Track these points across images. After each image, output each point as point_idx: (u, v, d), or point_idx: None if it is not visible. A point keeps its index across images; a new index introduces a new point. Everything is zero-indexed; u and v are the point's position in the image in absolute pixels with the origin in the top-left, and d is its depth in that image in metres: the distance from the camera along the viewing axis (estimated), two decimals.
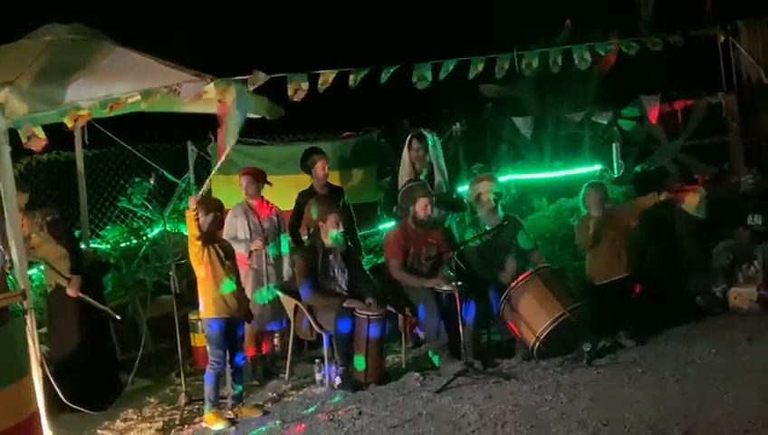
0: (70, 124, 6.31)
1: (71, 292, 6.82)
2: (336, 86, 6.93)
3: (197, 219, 6.15)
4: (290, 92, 6.74)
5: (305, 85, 6.73)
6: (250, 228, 7.41)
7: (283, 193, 7.97)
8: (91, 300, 6.90)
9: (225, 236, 6.90)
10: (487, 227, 7.60)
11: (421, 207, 7.40)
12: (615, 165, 9.49)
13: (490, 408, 5.91)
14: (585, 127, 9.84)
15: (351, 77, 6.94)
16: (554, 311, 7.01)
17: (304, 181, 7.95)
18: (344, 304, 6.85)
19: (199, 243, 6.16)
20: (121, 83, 6.54)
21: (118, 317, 7.09)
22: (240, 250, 7.12)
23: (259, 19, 11.96)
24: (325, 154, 7.95)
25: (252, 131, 8.76)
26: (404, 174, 8.02)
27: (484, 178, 7.96)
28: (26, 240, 6.63)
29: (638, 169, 9.99)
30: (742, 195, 8.58)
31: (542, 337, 6.99)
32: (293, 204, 7.80)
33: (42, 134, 6.53)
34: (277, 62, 6.97)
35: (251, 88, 6.81)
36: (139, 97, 6.23)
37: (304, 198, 7.70)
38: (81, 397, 6.50)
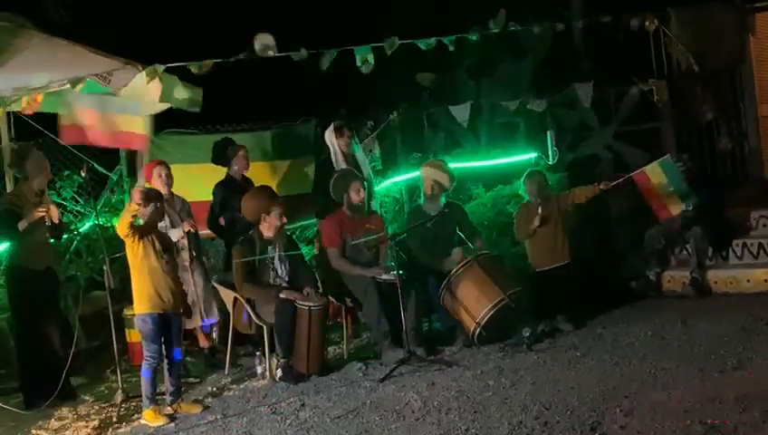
0: None
1: None
2: (272, 75, 6.87)
3: (134, 215, 5.97)
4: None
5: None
6: (172, 224, 7.16)
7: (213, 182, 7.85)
8: None
9: None
10: (431, 214, 7.60)
11: (355, 191, 7.38)
12: (550, 152, 9.57)
13: (433, 395, 5.92)
14: (520, 115, 9.90)
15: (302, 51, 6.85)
16: (494, 297, 7.05)
17: None
18: (282, 295, 6.77)
19: (129, 239, 5.99)
20: (48, 72, 6.35)
21: None
22: None
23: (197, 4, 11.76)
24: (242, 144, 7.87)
25: (185, 122, 8.64)
26: (339, 163, 7.97)
27: (432, 165, 7.88)
28: None
29: (571, 156, 10.10)
30: None
31: (482, 323, 7.03)
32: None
33: None
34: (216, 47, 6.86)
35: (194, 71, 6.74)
36: (68, 85, 6.05)
37: (223, 188, 7.65)
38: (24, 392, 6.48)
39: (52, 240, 6.91)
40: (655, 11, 8.95)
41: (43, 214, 6.51)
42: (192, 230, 7.15)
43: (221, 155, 7.78)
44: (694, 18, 9.38)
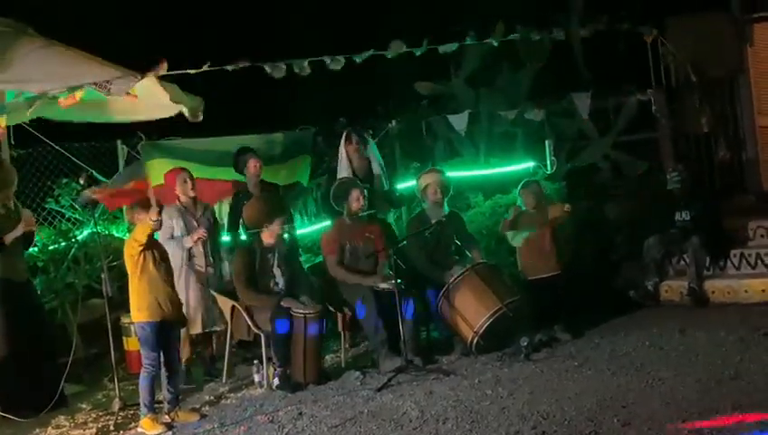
0: None
1: None
2: (274, 84, 6.86)
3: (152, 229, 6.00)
4: None
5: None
6: (188, 230, 7.16)
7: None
8: None
9: (159, 239, 6.68)
10: (432, 221, 7.61)
11: (354, 199, 7.40)
12: (548, 162, 9.58)
13: (431, 404, 5.92)
14: (518, 124, 9.91)
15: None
16: (492, 305, 7.06)
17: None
18: (281, 304, 6.78)
19: (140, 247, 6.01)
20: (48, 79, 6.33)
21: None
22: (177, 250, 6.97)
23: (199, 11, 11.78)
24: (256, 153, 7.84)
25: (189, 131, 8.62)
26: (342, 170, 8.00)
27: (431, 171, 7.99)
28: None
29: (569, 165, 10.12)
30: (669, 193, 8.75)
31: (480, 332, 7.03)
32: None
33: None
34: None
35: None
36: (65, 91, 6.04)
37: (239, 197, 7.63)
38: (12, 402, 6.35)
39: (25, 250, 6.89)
40: (653, 21, 8.99)
41: (33, 228, 6.51)
42: (203, 239, 7.14)
43: (235, 165, 7.80)
44: (692, 28, 9.42)
